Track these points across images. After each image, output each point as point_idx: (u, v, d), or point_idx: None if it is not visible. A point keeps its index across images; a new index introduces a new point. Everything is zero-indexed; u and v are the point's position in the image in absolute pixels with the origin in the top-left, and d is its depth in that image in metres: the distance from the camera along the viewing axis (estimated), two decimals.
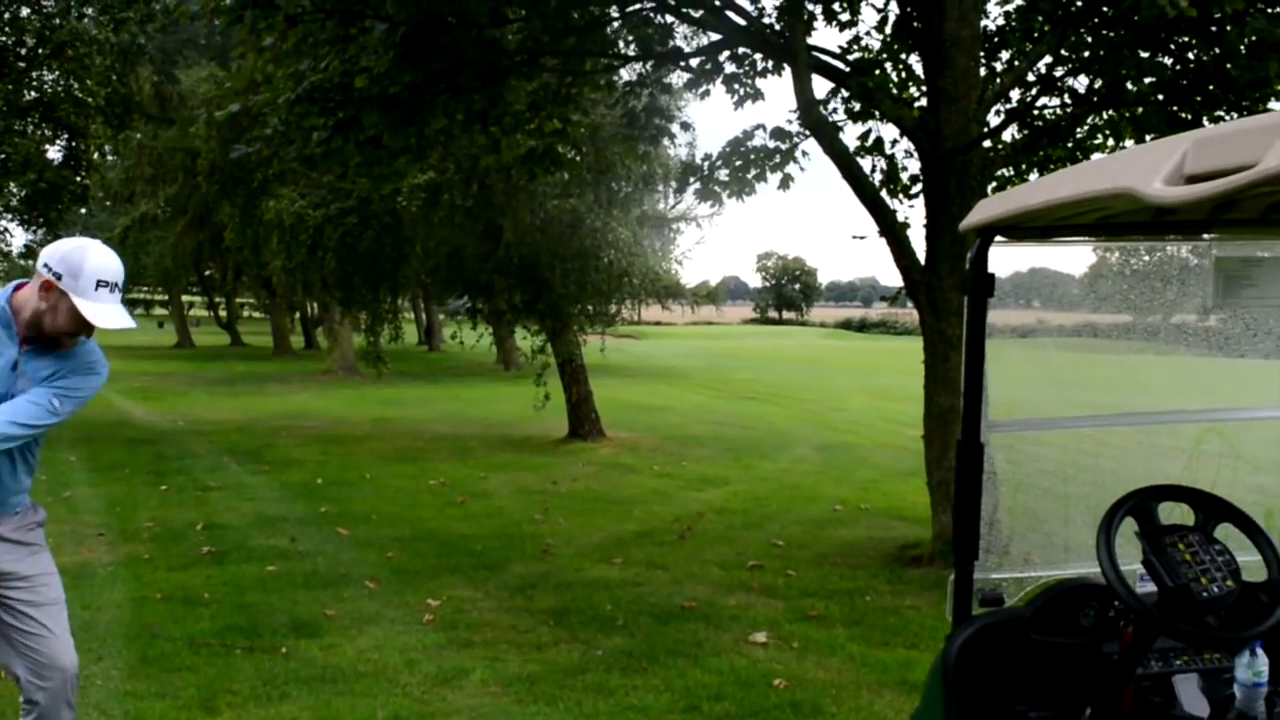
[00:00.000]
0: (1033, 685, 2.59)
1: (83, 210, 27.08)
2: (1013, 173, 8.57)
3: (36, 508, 3.57)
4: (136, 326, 3.82)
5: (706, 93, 9.46)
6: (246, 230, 19.41)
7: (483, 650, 5.70)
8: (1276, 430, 3.26)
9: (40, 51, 15.63)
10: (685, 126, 22.64)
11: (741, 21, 8.47)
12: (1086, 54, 7.52)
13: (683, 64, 9.64)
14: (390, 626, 6.10)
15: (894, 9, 8.66)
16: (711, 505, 10.35)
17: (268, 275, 23.26)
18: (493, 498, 10.59)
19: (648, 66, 9.88)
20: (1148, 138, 7.30)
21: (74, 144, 17.14)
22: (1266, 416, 3.24)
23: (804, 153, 8.81)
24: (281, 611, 6.33)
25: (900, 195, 8.97)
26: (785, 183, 8.89)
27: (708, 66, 9.16)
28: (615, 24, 9.09)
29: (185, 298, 46.65)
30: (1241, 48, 6.50)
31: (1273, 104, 7.06)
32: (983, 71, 8.13)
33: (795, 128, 8.64)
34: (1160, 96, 7.27)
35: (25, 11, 15.74)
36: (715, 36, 8.80)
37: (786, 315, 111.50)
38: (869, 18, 13.71)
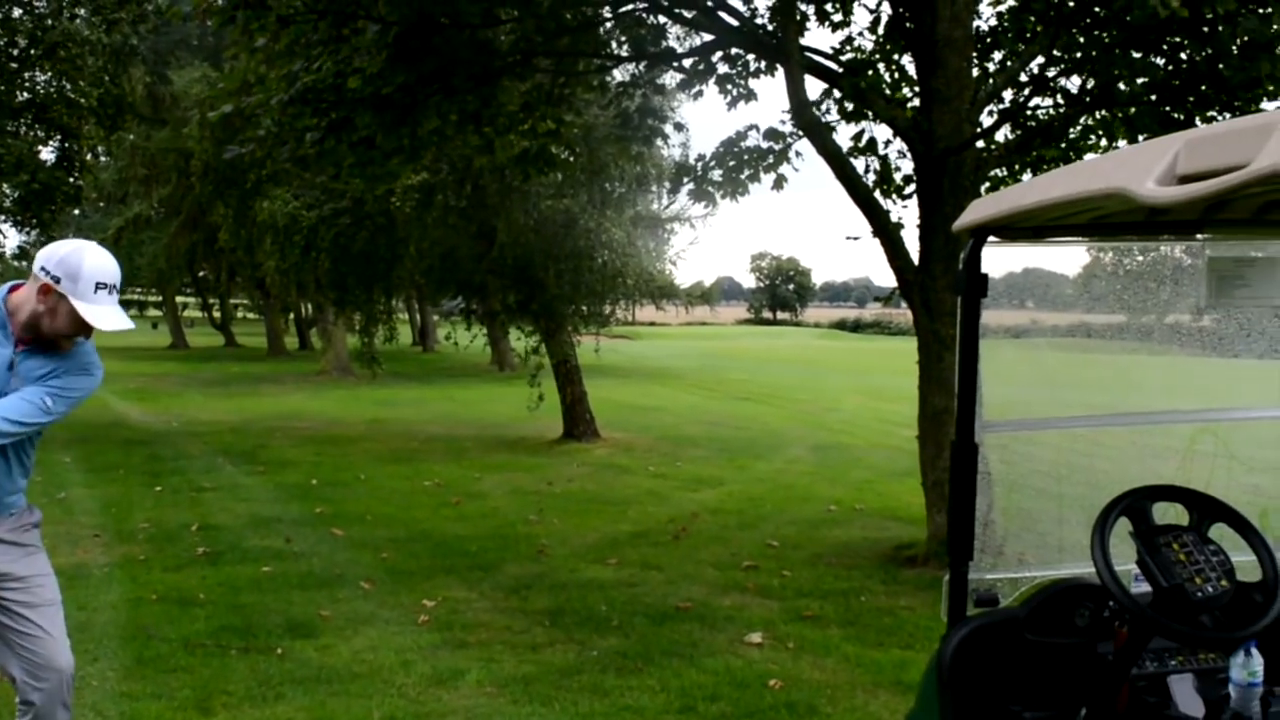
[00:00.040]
0: (1028, 686, 2.59)
1: (76, 211, 27.03)
2: (1006, 173, 8.57)
3: (32, 509, 3.57)
4: (135, 328, 3.82)
5: (699, 93, 9.48)
6: (240, 231, 19.36)
7: (478, 651, 5.70)
8: (1271, 430, 3.26)
9: (33, 52, 15.59)
10: (679, 127, 22.73)
11: (734, 22, 8.48)
12: (1079, 54, 7.54)
13: (676, 64, 9.66)
14: (385, 627, 6.09)
15: (886, 9, 8.68)
16: (706, 506, 10.35)
17: (262, 276, 23.26)
18: (487, 498, 10.58)
19: (641, 67, 9.90)
20: (1140, 138, 7.31)
21: (67, 145, 17.10)
22: (1261, 416, 3.25)
23: (797, 153, 8.84)
24: (276, 612, 6.33)
25: (894, 196, 8.98)
26: (779, 183, 8.90)
27: (701, 67, 9.18)
28: (608, 25, 9.09)
29: (179, 299, 46.53)
30: (1233, 48, 6.53)
31: (1265, 104, 7.07)
32: (975, 72, 8.13)
33: (788, 128, 8.67)
34: (1153, 97, 7.28)
35: (17, 12, 15.71)
36: (708, 37, 8.81)
37: (781, 316, 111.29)
38: (861, 18, 13.80)
